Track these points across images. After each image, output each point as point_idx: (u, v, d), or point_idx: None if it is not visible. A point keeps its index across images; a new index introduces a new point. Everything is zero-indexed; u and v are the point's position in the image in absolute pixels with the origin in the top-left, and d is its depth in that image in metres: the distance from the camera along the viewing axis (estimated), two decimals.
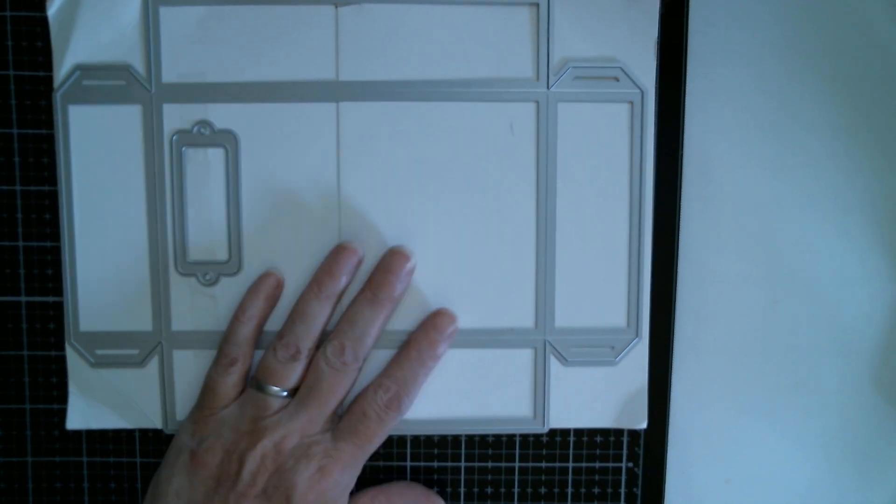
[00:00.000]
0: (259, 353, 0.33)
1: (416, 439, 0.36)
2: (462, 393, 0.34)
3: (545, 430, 0.35)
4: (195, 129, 0.33)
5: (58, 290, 0.34)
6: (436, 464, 0.36)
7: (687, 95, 0.34)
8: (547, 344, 0.34)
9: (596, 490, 0.36)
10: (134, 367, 0.34)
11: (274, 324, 0.34)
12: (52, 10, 0.32)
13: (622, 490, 0.36)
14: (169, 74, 0.33)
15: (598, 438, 0.36)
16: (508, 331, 0.34)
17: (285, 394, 0.32)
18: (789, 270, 0.36)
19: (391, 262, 0.33)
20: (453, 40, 0.33)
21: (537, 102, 0.33)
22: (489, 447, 0.36)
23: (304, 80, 0.33)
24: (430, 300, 0.34)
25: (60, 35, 0.33)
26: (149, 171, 0.33)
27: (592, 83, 0.33)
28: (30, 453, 0.35)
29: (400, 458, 0.36)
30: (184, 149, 0.33)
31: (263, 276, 0.33)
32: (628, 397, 0.35)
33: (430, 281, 0.34)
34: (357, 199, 0.34)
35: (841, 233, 0.36)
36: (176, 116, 0.33)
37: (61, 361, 0.34)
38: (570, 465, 0.36)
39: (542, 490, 0.36)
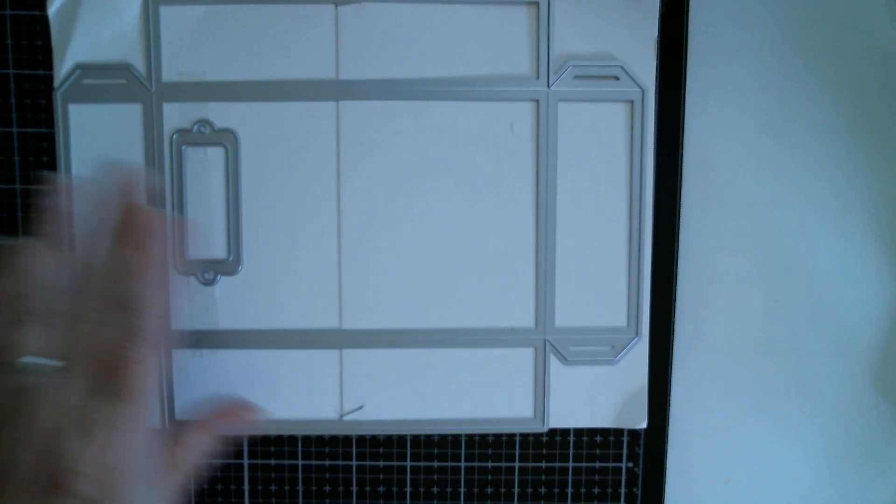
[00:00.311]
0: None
1: (416, 439, 0.36)
2: (462, 393, 0.34)
3: (545, 429, 0.35)
4: (195, 128, 0.33)
5: None
6: (436, 464, 0.36)
7: (687, 95, 0.34)
8: (547, 343, 0.34)
9: (596, 490, 0.36)
10: None
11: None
12: (52, 9, 0.32)
13: (622, 490, 0.36)
14: (169, 73, 0.33)
15: (598, 438, 0.36)
16: (508, 330, 0.34)
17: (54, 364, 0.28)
18: (789, 270, 0.36)
19: (132, 215, 0.29)
20: (453, 39, 0.33)
21: (537, 101, 0.33)
22: (489, 447, 0.36)
23: (304, 78, 0.33)
24: (430, 299, 0.34)
25: (61, 34, 0.33)
26: (149, 170, 0.33)
27: (592, 82, 0.33)
28: None
29: (400, 458, 0.36)
30: (184, 148, 0.33)
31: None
32: (628, 397, 0.35)
33: (429, 280, 0.34)
34: (357, 198, 0.34)
35: (841, 232, 0.36)
36: (176, 115, 0.33)
37: None
38: (570, 465, 0.36)
39: (542, 490, 0.36)
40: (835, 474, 0.37)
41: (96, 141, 0.33)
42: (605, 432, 0.36)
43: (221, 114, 0.33)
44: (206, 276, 0.34)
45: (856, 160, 0.35)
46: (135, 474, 0.29)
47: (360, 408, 0.34)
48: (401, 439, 0.36)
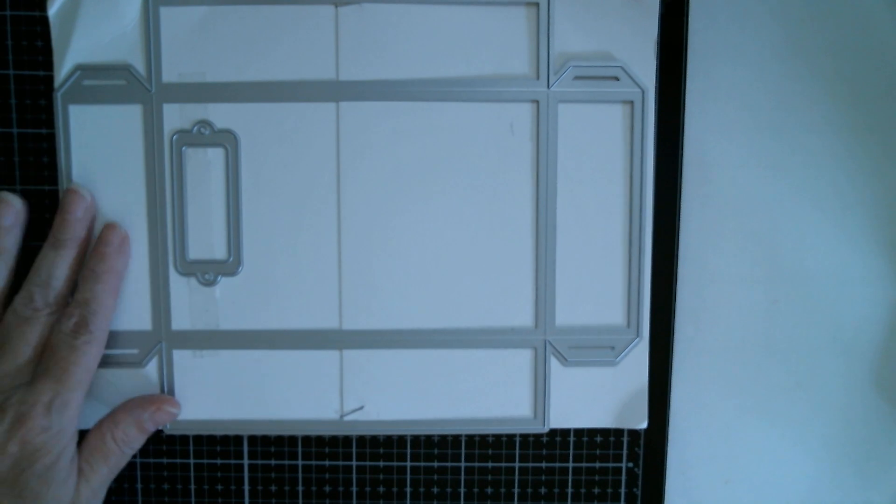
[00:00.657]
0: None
1: (416, 439, 0.36)
2: (462, 393, 0.34)
3: (545, 430, 0.35)
4: (195, 128, 0.33)
5: None
6: (436, 464, 0.36)
7: (687, 95, 0.34)
8: (547, 344, 0.34)
9: (596, 490, 0.36)
10: (134, 367, 0.34)
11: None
12: (52, 10, 0.32)
13: (622, 490, 0.36)
14: (169, 74, 0.33)
15: (598, 438, 0.36)
16: (508, 330, 0.34)
17: None
18: (789, 270, 0.36)
19: (66, 202, 0.32)
20: (453, 40, 0.33)
21: (537, 102, 0.33)
22: (489, 447, 0.36)
23: (304, 79, 0.33)
24: (430, 299, 0.34)
25: (61, 35, 0.33)
26: (149, 171, 0.33)
27: (593, 83, 0.33)
28: None
29: (400, 458, 0.36)
30: (184, 148, 0.33)
31: None
32: (629, 397, 0.35)
33: (429, 280, 0.34)
34: (356, 199, 0.34)
35: (841, 232, 0.36)
36: (176, 116, 0.33)
37: None
38: (570, 465, 0.36)
39: (542, 490, 0.36)
40: (835, 474, 0.37)
41: (96, 142, 0.33)
42: (605, 432, 0.36)
43: (221, 115, 0.33)
44: (207, 276, 0.34)
45: (856, 160, 0.35)
46: (56, 457, 0.30)
47: (361, 408, 0.34)
48: (401, 439, 0.36)
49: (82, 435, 0.33)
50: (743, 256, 0.36)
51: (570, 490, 0.36)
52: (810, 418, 0.36)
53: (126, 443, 0.33)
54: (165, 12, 0.33)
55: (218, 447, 0.35)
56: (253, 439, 0.35)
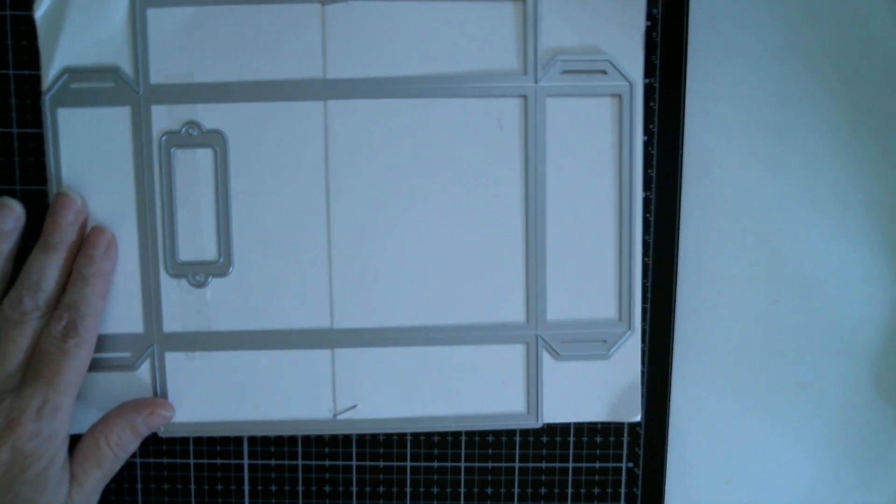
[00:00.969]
0: None
1: (416, 439, 0.36)
2: (455, 390, 0.34)
3: (539, 424, 0.35)
4: (184, 129, 0.33)
5: None
6: (436, 464, 0.36)
7: (687, 95, 0.34)
8: (539, 339, 0.34)
9: (596, 490, 0.36)
10: (126, 370, 0.34)
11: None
12: (39, 13, 0.32)
13: (622, 490, 0.36)
14: (157, 76, 0.33)
15: (598, 438, 0.36)
16: (500, 326, 0.34)
17: None
18: (789, 270, 0.36)
19: (57, 206, 0.32)
20: (441, 36, 0.33)
21: (525, 97, 0.33)
22: (489, 447, 0.36)
23: (292, 78, 0.33)
24: (421, 296, 0.34)
25: (48, 37, 0.32)
26: (138, 172, 0.33)
27: (580, 77, 0.33)
28: None
29: (400, 458, 0.36)
30: (173, 150, 0.33)
31: None
32: (622, 390, 0.35)
33: (420, 277, 0.34)
34: (346, 197, 0.34)
35: (841, 232, 0.36)
36: (164, 117, 0.33)
37: None
38: (570, 464, 0.36)
39: (542, 490, 0.36)
40: (835, 474, 0.37)
41: (85, 144, 0.33)
42: (605, 432, 0.36)
43: (210, 115, 0.33)
44: (198, 278, 0.34)
45: (856, 160, 0.35)
46: (47, 463, 0.30)
47: (354, 407, 0.34)
48: (400, 439, 0.36)
49: (74, 439, 0.32)
50: (743, 256, 0.36)
51: (569, 490, 0.36)
52: (810, 418, 0.36)
53: (120, 447, 0.33)
54: (152, 14, 0.33)
55: (218, 447, 0.35)
56: (253, 440, 0.35)
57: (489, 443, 0.36)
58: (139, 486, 0.35)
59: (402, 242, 0.34)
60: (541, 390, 0.34)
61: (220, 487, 0.36)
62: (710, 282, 0.36)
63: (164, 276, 0.34)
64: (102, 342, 0.33)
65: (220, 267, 0.34)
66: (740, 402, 0.36)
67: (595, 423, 0.35)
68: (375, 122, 0.33)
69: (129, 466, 0.35)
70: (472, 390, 0.35)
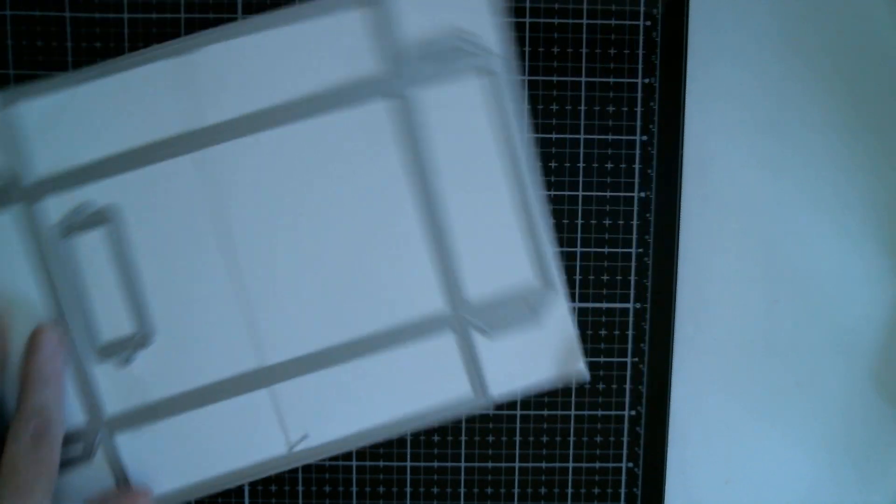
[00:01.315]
0: None
1: (416, 439, 0.36)
2: (400, 392, 0.34)
3: (489, 402, 0.34)
4: (77, 213, 0.33)
5: None
6: (436, 464, 0.36)
7: (687, 95, 0.34)
8: (464, 320, 0.34)
9: (596, 490, 0.36)
10: (83, 462, 0.33)
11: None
12: None
13: (622, 490, 0.36)
14: (40, 167, 0.33)
15: (598, 438, 0.36)
16: (425, 319, 0.34)
17: None
18: (789, 270, 0.36)
19: (36, 342, 0.32)
20: (295, 60, 0.33)
21: (391, 95, 0.33)
22: (489, 447, 0.36)
23: (165, 137, 0.33)
24: (340, 312, 0.34)
25: None
26: (39, 269, 0.33)
27: (443, 60, 0.33)
28: None
29: (400, 458, 0.36)
30: (67, 238, 0.33)
31: None
32: (560, 347, 0.35)
33: (334, 294, 0.34)
34: (243, 236, 0.33)
35: (841, 232, 0.36)
36: (55, 206, 0.33)
37: None
38: (570, 465, 0.36)
39: (542, 490, 0.36)
40: (835, 474, 0.37)
41: None
42: (605, 432, 0.36)
43: (101, 192, 0.33)
44: (124, 355, 0.33)
45: (856, 160, 0.35)
46: None
47: (306, 436, 0.34)
48: (401, 439, 0.36)
49: None
50: (743, 256, 0.36)
51: (569, 490, 0.36)
52: (810, 418, 0.36)
53: None
54: (23, 107, 0.32)
55: None
56: None
57: (489, 443, 0.36)
58: None
59: (307, 267, 0.34)
60: (481, 370, 0.34)
61: None
62: (710, 282, 0.36)
63: (91, 362, 0.33)
64: None
65: (142, 339, 0.33)
66: (740, 402, 0.36)
67: (544, 391, 0.35)
68: (252, 158, 0.33)
69: None
70: (417, 388, 0.34)
